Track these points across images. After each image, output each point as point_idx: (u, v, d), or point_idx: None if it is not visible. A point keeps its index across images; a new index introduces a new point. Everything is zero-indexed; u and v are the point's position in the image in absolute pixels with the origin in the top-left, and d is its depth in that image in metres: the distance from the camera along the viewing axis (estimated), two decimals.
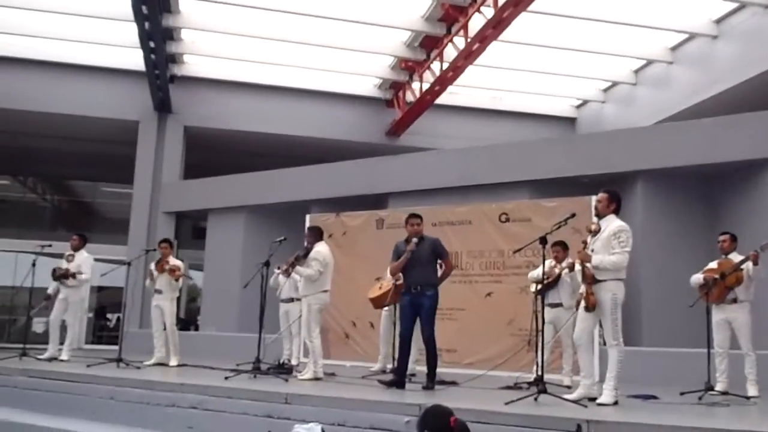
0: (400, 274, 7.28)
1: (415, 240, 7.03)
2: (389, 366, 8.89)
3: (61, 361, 9.05)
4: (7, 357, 8.84)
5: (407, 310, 7.05)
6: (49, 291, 9.50)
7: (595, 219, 6.11)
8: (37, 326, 14.45)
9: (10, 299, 17.54)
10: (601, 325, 5.96)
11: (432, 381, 6.82)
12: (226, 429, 5.41)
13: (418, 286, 6.96)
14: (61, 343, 9.40)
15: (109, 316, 17.92)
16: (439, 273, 7.26)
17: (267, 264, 7.82)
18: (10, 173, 19.26)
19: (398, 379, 6.88)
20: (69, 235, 9.85)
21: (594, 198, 6.64)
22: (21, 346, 9.31)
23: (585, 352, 5.87)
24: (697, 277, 7.28)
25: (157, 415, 6.08)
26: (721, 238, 7.37)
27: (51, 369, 7.99)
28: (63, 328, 9.53)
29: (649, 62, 14.42)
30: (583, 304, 5.81)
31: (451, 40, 12.68)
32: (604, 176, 10.15)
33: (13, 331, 17.05)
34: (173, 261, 9.34)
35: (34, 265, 9.41)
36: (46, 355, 9.24)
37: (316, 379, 7.36)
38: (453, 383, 7.23)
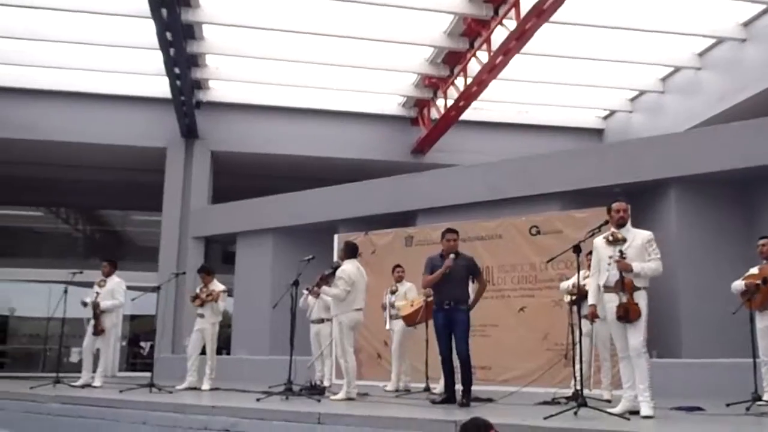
0: (431, 290, 7.16)
1: (452, 256, 6.92)
2: (402, 384, 8.87)
3: (94, 387, 9.05)
4: (41, 384, 8.86)
5: (442, 328, 6.92)
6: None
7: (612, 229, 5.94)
8: (73, 355, 14.55)
9: (44, 329, 17.74)
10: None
11: (468, 398, 6.68)
12: None
13: (451, 302, 6.83)
14: (94, 371, 9.41)
15: (142, 343, 18.01)
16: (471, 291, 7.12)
17: (296, 283, 7.74)
18: (44, 204, 19.58)
19: (448, 396, 6.86)
20: (101, 263, 9.88)
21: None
22: (55, 374, 9.33)
23: (628, 363, 5.67)
24: (739, 284, 7.04)
25: None
26: (761, 242, 7.12)
27: (83, 395, 7.98)
28: (96, 356, 9.55)
29: (677, 69, 14.21)
30: (613, 314, 5.64)
31: (474, 55, 12.63)
32: (636, 185, 9.96)
33: (48, 360, 17.21)
34: (214, 287, 9.32)
35: (65, 292, 9.44)
36: (79, 382, 9.27)
37: (349, 399, 7.24)
38: (489, 400, 7.05)
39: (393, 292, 9.05)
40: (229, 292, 14.92)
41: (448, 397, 6.86)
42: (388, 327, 9.07)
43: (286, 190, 13.69)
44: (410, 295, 8.97)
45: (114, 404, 7.05)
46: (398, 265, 9.27)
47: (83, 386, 9.10)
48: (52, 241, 19.55)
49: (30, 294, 18.23)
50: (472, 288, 7.17)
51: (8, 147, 15.36)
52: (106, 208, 20.16)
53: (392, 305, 8.90)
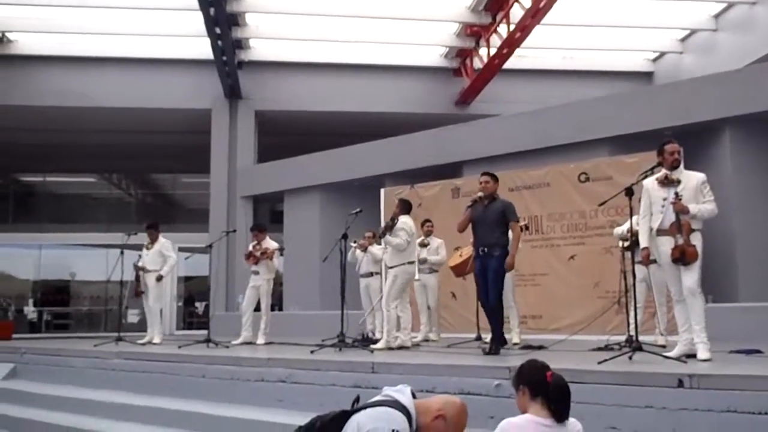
0: None
1: (478, 194, 6.91)
2: (421, 336, 8.94)
3: (155, 344, 9.35)
4: (104, 342, 9.21)
5: (478, 275, 6.90)
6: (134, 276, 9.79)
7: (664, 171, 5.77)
8: (131, 317, 15.03)
9: (104, 292, 18.36)
10: None
11: (496, 345, 6.55)
12: (315, 400, 5.41)
13: (485, 248, 6.76)
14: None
15: (197, 303, 18.48)
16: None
17: (345, 237, 7.81)
18: (97, 171, 20.06)
19: (497, 345, 6.66)
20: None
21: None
22: (117, 333, 9.70)
23: (684, 306, 5.58)
24: None
25: (246, 390, 6.17)
26: None
27: (145, 351, 8.27)
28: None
29: (730, 5, 13.61)
30: (668, 257, 5.53)
31: (517, 0, 12.29)
32: (688, 127, 9.65)
33: (109, 320, 17.85)
34: (268, 244, 9.45)
35: (122, 253, 9.71)
36: (144, 339, 9.60)
37: (389, 348, 7.34)
38: (540, 348, 7.05)
39: (424, 246, 9.05)
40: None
41: (496, 348, 6.63)
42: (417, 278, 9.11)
43: (331, 147, 13.71)
44: (441, 251, 9.11)
45: (174, 359, 7.28)
46: (428, 220, 9.34)
47: (145, 344, 9.42)
48: (106, 206, 20.05)
49: (88, 259, 18.88)
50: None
51: (60, 115, 15.71)
52: (156, 172, 20.56)
53: (422, 260, 8.85)
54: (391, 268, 7.68)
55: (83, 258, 19.19)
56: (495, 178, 7.04)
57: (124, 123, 16.30)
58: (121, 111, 15.44)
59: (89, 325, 18.42)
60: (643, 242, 5.82)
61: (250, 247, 9.51)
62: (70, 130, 16.80)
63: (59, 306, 19.11)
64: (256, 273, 9.38)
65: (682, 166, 5.72)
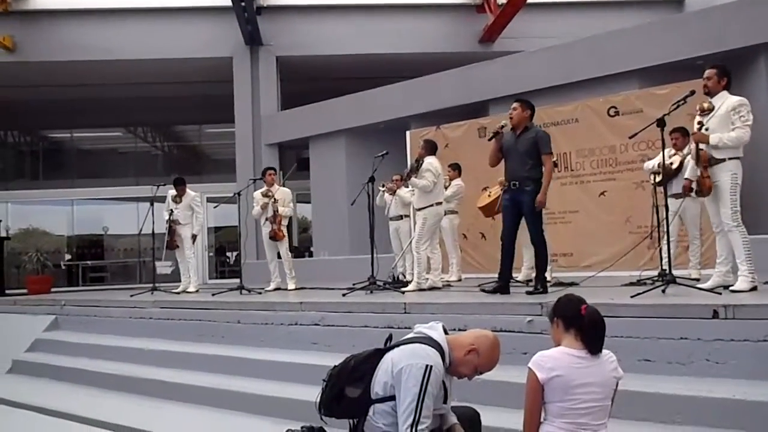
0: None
1: (502, 122, 6.42)
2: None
3: (189, 293, 9.51)
4: (141, 292, 9.40)
5: (508, 210, 6.36)
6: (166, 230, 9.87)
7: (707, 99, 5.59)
8: (165, 269, 15.27)
9: (137, 244, 18.67)
10: None
11: (540, 283, 6.20)
12: (348, 342, 5.48)
13: (516, 182, 6.27)
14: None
15: (227, 253, 18.73)
16: None
17: (372, 180, 7.77)
18: (122, 125, 20.17)
19: (502, 284, 6.33)
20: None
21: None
22: (152, 284, 9.87)
23: (722, 237, 5.49)
24: None
25: (281, 334, 6.27)
26: None
27: (180, 299, 8.42)
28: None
29: None
30: (694, 189, 5.44)
31: None
32: (722, 55, 9.34)
33: (145, 272, 18.22)
34: (278, 189, 9.43)
35: (152, 205, 9.79)
36: (179, 289, 9.76)
37: (420, 290, 7.35)
38: (572, 284, 7.01)
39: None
40: (305, 197, 15.27)
41: (501, 287, 6.32)
42: None
43: (354, 91, 13.58)
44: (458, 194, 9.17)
45: (209, 306, 7.39)
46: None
47: (179, 293, 9.58)
48: (134, 160, 20.22)
49: (119, 212, 19.20)
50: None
51: (84, 70, 15.78)
52: (181, 123, 20.61)
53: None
54: (419, 210, 7.64)
55: (114, 212, 19.52)
56: (526, 106, 6.40)
57: (146, 75, 16.30)
58: (142, 63, 15.44)
59: (124, 277, 18.83)
60: (688, 173, 5.74)
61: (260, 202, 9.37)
62: (94, 85, 16.87)
63: (94, 259, 19.52)
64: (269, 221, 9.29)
65: (725, 92, 5.45)
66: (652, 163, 7.26)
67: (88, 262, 19.32)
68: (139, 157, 20.41)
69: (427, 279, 7.62)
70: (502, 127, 6.46)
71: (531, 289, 6.24)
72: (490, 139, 6.62)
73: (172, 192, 9.76)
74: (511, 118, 6.40)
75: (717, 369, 3.99)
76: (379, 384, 3.27)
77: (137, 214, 17.86)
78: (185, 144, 21.47)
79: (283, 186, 10.22)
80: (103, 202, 19.28)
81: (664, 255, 6.19)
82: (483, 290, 6.53)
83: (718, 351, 4.02)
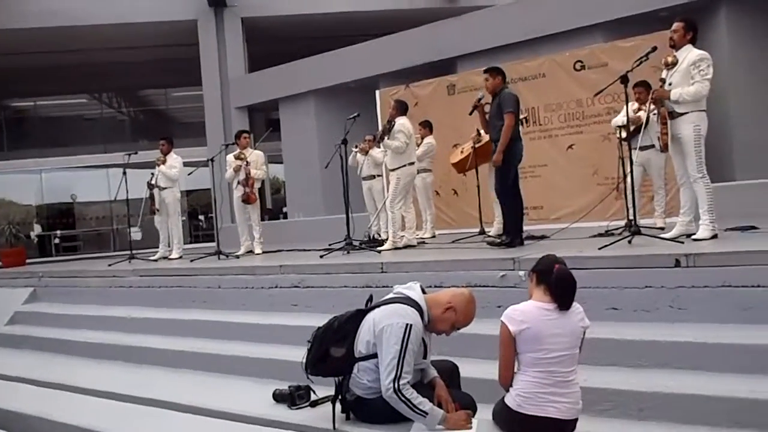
0: (482, 136, 7.30)
1: (478, 95, 6.95)
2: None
3: (171, 259, 9.54)
4: (118, 261, 9.43)
5: (490, 170, 6.95)
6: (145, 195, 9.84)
7: (672, 51, 5.73)
8: (135, 235, 15.25)
9: (109, 211, 18.55)
10: None
11: (508, 236, 6.44)
12: (328, 302, 5.63)
13: (495, 143, 6.61)
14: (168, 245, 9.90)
15: (200, 217, 18.72)
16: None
17: (345, 142, 7.84)
18: (86, 91, 19.83)
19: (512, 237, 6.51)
20: (151, 144, 10.09)
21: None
22: (129, 252, 9.85)
23: (686, 189, 5.70)
24: None
25: (262, 297, 6.40)
26: None
27: (159, 267, 8.49)
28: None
29: None
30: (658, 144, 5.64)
31: None
32: (684, 6, 9.50)
33: (119, 239, 18.13)
34: (251, 152, 9.43)
35: (124, 173, 9.73)
36: (156, 256, 9.79)
37: (396, 248, 7.52)
38: (543, 237, 7.22)
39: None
40: (278, 159, 15.27)
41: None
42: None
43: (322, 51, 13.51)
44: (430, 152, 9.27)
45: (189, 272, 7.49)
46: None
47: (157, 260, 9.62)
48: (101, 126, 19.96)
49: (88, 180, 18.98)
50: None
51: (44, 37, 15.42)
52: (146, 87, 20.32)
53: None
54: (392, 170, 7.75)
55: (84, 179, 19.28)
56: (495, 72, 6.64)
57: (109, 40, 16.00)
58: (105, 28, 15.15)
59: (98, 245, 18.72)
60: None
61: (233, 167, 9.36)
62: (55, 52, 16.52)
63: (65, 228, 19.35)
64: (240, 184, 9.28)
65: (689, 45, 5.54)
66: (621, 118, 7.44)
67: (57, 232, 19.13)
68: (105, 123, 20.15)
69: (403, 237, 7.77)
70: (479, 99, 6.92)
71: (501, 240, 6.52)
72: (470, 113, 7.09)
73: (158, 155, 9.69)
74: (486, 88, 6.72)
75: (679, 315, 4.22)
76: (362, 343, 3.45)
77: (108, 181, 17.72)
78: (152, 108, 21.22)
79: (256, 149, 10.24)
80: (72, 170, 19.02)
81: (630, 206, 6.40)
82: (489, 243, 6.77)
83: (680, 298, 4.24)
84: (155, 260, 9.61)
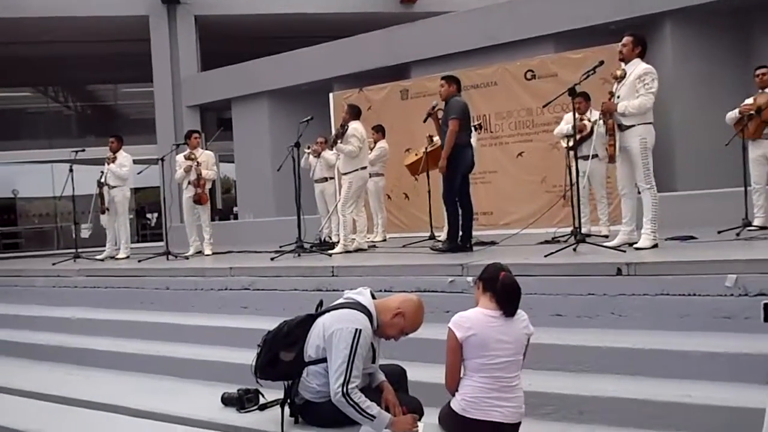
0: (434, 141, 7.53)
1: (433, 103, 7.09)
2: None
3: (118, 259, 9.39)
4: (63, 260, 9.23)
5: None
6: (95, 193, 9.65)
7: (621, 65, 5.92)
8: (84, 232, 14.94)
9: (53, 208, 18.07)
10: None
11: (449, 242, 6.69)
12: (278, 305, 5.64)
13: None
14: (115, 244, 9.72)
15: (148, 215, 18.39)
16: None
17: (297, 145, 7.85)
18: (31, 84, 19.28)
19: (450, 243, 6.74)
20: (98, 140, 9.90)
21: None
22: (74, 250, 9.63)
23: (627, 199, 5.89)
24: (733, 113, 7.16)
25: (212, 299, 6.36)
26: (759, 71, 7.13)
27: (106, 267, 8.34)
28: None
29: None
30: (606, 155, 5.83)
31: None
32: (632, 20, 9.80)
33: (63, 238, 17.66)
34: (202, 152, 9.36)
35: (71, 170, 9.52)
36: (103, 255, 9.60)
37: (347, 251, 7.57)
38: (492, 243, 7.36)
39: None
40: (229, 158, 15.14)
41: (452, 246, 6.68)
42: None
43: (277, 52, 13.47)
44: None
45: (137, 273, 7.38)
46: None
47: (104, 259, 9.45)
48: (45, 121, 19.42)
49: (32, 175, 18.40)
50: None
51: None
52: (95, 83, 19.87)
53: None
54: (345, 174, 7.80)
55: (27, 175, 18.68)
56: (451, 81, 6.82)
57: (57, 33, 15.59)
58: (52, 20, 14.76)
59: (40, 243, 18.20)
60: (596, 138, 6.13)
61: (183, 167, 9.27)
62: None
63: (6, 225, 18.75)
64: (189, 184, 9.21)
65: (638, 59, 5.72)
66: (562, 128, 7.65)
67: (2, 228, 18.55)
68: (50, 117, 19.62)
69: (354, 240, 7.82)
70: (434, 107, 7.07)
71: (443, 245, 6.72)
72: (425, 120, 7.21)
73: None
74: (440, 94, 6.88)
75: (620, 321, 4.38)
76: (311, 347, 3.48)
77: (52, 177, 17.25)
78: (100, 104, 20.75)
79: (206, 149, 10.16)
80: (14, 165, 18.43)
81: (576, 213, 6.58)
82: (432, 248, 6.91)
83: (621, 305, 4.40)
84: (102, 260, 9.45)
